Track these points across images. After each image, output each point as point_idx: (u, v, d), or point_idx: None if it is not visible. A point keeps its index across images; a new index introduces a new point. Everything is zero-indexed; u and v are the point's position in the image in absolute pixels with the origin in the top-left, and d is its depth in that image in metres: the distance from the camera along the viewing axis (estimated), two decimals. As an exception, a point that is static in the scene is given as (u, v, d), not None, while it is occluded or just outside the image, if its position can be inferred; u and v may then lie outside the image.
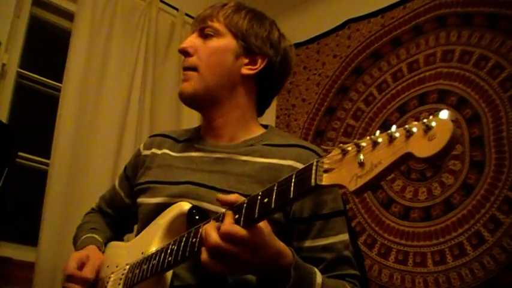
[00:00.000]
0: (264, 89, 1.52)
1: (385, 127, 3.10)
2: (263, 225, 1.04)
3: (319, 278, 1.15)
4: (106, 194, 1.75)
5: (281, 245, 1.08)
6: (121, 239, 1.73)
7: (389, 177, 2.94)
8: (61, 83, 3.00)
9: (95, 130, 3.03)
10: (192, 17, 3.58)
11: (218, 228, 1.02)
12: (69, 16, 3.20)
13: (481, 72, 2.74)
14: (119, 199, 1.66)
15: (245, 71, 1.46)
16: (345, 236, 1.34)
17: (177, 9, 3.60)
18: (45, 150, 2.94)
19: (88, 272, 1.38)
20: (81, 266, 1.40)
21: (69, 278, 1.38)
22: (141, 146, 1.64)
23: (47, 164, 2.92)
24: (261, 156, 1.38)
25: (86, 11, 3.11)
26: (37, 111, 3.19)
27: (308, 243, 1.30)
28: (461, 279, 2.53)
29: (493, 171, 2.58)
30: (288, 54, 1.53)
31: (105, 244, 1.57)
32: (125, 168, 1.68)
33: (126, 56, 3.25)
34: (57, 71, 3.07)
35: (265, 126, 1.54)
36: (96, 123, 3.04)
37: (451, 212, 2.66)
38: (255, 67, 1.46)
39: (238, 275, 1.08)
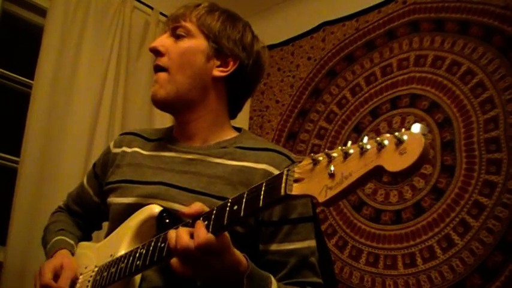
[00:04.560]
0: (235, 91, 1.51)
1: (357, 130, 3.14)
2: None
3: (274, 286, 1.16)
4: (74, 192, 1.73)
5: (238, 252, 1.09)
6: (89, 237, 1.72)
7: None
8: (32, 79, 2.95)
9: (66, 128, 2.98)
10: (166, 16, 3.55)
11: (190, 234, 1.03)
12: (42, 12, 3.15)
13: (453, 78, 2.77)
14: (88, 197, 1.64)
15: (216, 72, 1.45)
16: (311, 243, 1.34)
17: (151, 8, 3.57)
18: (14, 147, 2.90)
19: (64, 284, 1.35)
20: (55, 275, 1.37)
21: None
22: (111, 144, 1.61)
23: (16, 162, 2.87)
24: (234, 159, 1.38)
25: (58, 8, 3.06)
26: (7, 108, 3.14)
27: (274, 247, 1.30)
28: (430, 281, 2.56)
29: (464, 176, 2.61)
30: (260, 57, 1.52)
31: (76, 244, 1.55)
32: (94, 165, 1.66)
33: (99, 54, 3.21)
34: (28, 67, 3.02)
35: (239, 130, 1.54)
36: (68, 121, 3.00)
37: (422, 215, 2.69)
38: (227, 69, 1.45)
39: (202, 279, 1.07)
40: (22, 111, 2.90)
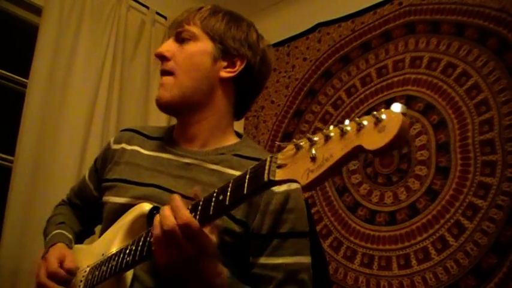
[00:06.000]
0: (243, 91, 1.50)
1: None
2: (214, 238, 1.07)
3: None
4: (76, 186, 1.74)
5: (220, 265, 1.10)
6: (91, 230, 1.73)
7: (356, 181, 2.97)
8: (27, 78, 2.95)
9: (61, 127, 2.98)
10: (162, 15, 3.56)
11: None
12: (37, 11, 3.14)
13: (449, 80, 2.78)
14: (88, 191, 1.65)
15: (224, 74, 1.44)
16: (303, 259, 1.31)
17: (147, 7, 3.56)
18: (9, 146, 2.89)
19: (71, 263, 1.37)
20: (60, 263, 1.38)
21: (53, 275, 1.35)
22: (112, 139, 1.61)
23: (11, 161, 2.86)
24: (230, 167, 1.37)
25: (54, 6, 3.05)
26: (1, 107, 3.13)
27: (262, 260, 1.29)
28: (425, 282, 2.56)
29: (458, 177, 2.61)
30: (266, 54, 1.51)
31: (74, 239, 1.57)
32: (95, 160, 1.66)
33: (94, 53, 3.21)
34: (23, 66, 3.01)
35: (240, 135, 1.53)
36: (62, 120, 2.99)
37: (416, 216, 2.69)
38: (234, 69, 1.44)
39: (173, 274, 1.08)
40: (17, 110, 2.89)
